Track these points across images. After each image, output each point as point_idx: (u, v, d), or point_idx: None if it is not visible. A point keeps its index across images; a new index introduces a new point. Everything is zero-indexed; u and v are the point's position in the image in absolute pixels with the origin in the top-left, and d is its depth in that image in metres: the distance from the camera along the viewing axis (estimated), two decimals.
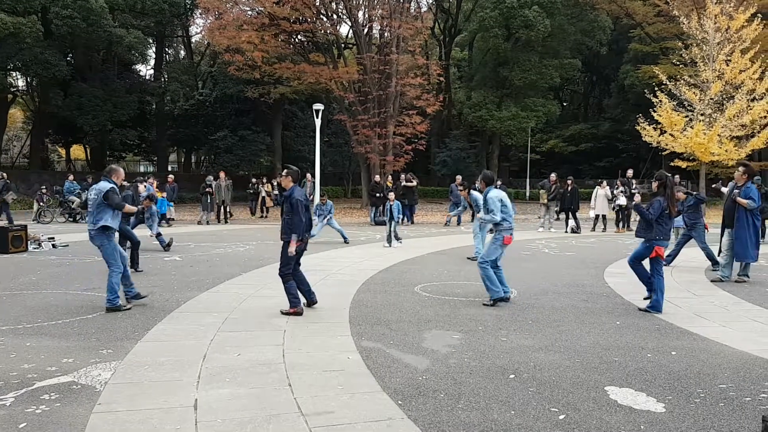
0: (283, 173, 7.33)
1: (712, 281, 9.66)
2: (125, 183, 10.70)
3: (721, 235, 9.88)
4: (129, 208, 7.75)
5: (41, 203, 21.54)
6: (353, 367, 5.19)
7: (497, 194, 7.58)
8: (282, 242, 7.10)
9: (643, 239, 7.48)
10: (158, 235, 12.95)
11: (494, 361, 5.36)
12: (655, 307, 7.39)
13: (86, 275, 9.79)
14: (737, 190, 9.35)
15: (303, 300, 7.27)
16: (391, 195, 14.64)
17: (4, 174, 22.12)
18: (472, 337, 6.17)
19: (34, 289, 8.55)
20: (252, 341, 5.95)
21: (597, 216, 18.76)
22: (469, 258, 12.03)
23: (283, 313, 7.02)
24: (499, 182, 22.95)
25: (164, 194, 20.98)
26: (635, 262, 7.60)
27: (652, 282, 7.46)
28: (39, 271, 10.14)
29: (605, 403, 4.43)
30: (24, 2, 27.42)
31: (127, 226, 10.44)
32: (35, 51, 28.84)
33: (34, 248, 12.92)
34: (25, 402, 4.35)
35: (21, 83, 40.96)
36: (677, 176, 20.86)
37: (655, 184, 7.55)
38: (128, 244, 10.20)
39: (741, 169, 9.43)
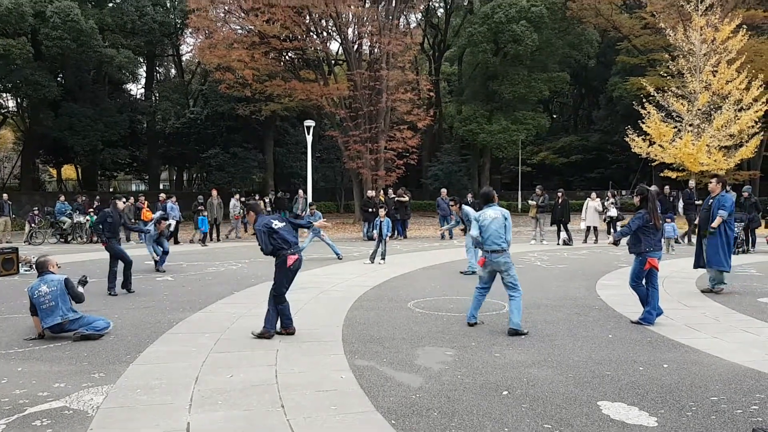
0: (248, 208, 7.30)
1: (702, 291, 9.69)
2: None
3: (698, 246, 9.89)
4: (82, 297, 7.33)
5: (33, 224, 21.43)
6: (346, 387, 5.19)
7: (476, 214, 7.51)
8: (275, 263, 7.04)
9: (635, 254, 7.54)
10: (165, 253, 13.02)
11: (487, 378, 5.37)
12: (647, 319, 7.42)
13: None
14: (712, 200, 9.47)
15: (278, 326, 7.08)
16: (382, 211, 14.62)
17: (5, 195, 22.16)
18: (465, 353, 6.18)
19: (25, 312, 8.45)
20: (245, 362, 5.94)
21: (588, 228, 18.84)
22: (462, 272, 12.06)
23: (255, 335, 6.88)
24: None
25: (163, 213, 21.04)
26: (636, 283, 7.57)
27: (648, 299, 7.50)
28: None
29: (598, 418, 4.45)
30: (14, 24, 27.47)
31: (120, 246, 10.43)
32: (25, 72, 28.86)
33: (26, 271, 12.84)
34: (16, 428, 4.32)
35: (11, 104, 40.90)
36: (667, 186, 21.04)
37: (636, 199, 7.65)
38: (120, 264, 10.17)
39: (714, 180, 9.66)
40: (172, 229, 19.95)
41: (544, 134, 42.55)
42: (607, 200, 19.02)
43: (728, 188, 9.91)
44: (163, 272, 12.65)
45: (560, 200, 18.35)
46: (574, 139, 47.86)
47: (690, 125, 23.78)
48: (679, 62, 24.30)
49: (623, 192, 24.16)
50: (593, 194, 18.96)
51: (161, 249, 13.03)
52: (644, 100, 24.27)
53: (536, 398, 4.85)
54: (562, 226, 18.35)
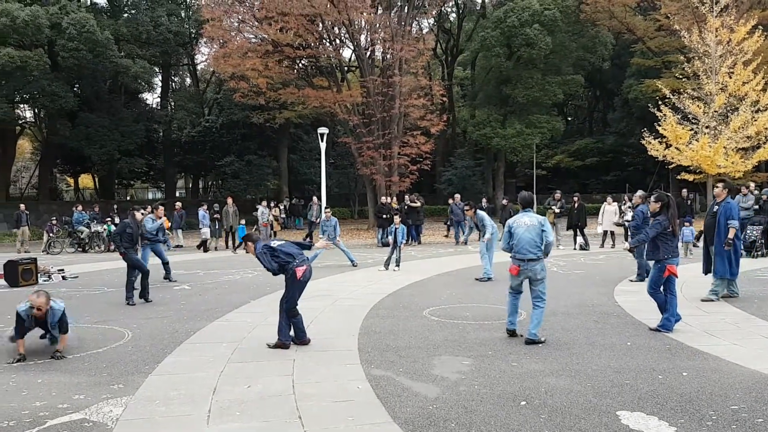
0: (248, 244, 7.18)
1: (702, 300, 9.32)
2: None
3: (705, 252, 9.71)
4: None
5: (51, 234, 21.69)
6: (363, 397, 5.18)
7: (510, 222, 7.33)
8: (285, 278, 7.02)
9: (653, 261, 7.47)
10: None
11: (505, 388, 5.34)
12: (665, 326, 7.35)
13: (96, 307, 9.83)
14: (717, 207, 9.25)
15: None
16: (397, 218, 14.63)
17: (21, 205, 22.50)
18: (482, 362, 6.15)
19: None
20: (262, 372, 5.96)
21: (605, 232, 18.69)
22: (477, 279, 12.01)
23: (270, 346, 6.88)
24: (505, 201, 23.04)
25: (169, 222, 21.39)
26: (654, 290, 7.48)
27: (666, 305, 7.41)
28: None
29: (617, 428, 4.41)
30: (30, 36, 27.88)
31: (137, 256, 10.54)
32: (42, 83, 29.26)
33: (44, 281, 12.99)
34: None
35: (29, 115, 41.50)
36: (684, 190, 20.85)
37: (656, 205, 7.52)
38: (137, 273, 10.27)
39: (720, 185, 9.30)
40: (207, 236, 20.33)
41: (558, 137, 42.28)
42: (624, 204, 18.85)
43: (751, 188, 9.73)
44: (174, 281, 12.58)
45: (576, 204, 18.24)
46: (589, 141, 47.53)
47: (707, 127, 23.57)
48: (695, 64, 24.11)
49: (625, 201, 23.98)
50: (609, 198, 18.83)
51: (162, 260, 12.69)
52: (660, 103, 24.10)
53: (555, 408, 4.82)
54: (578, 230, 18.24)
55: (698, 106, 23.67)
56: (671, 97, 23.86)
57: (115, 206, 25.96)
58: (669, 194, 7.66)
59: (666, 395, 5.10)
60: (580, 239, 18.17)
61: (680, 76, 25.62)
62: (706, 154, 22.49)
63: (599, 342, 6.91)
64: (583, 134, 52.75)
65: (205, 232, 20.51)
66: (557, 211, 18.54)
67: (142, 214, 11.12)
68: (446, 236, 23.66)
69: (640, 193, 12.92)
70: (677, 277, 7.46)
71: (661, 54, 34.93)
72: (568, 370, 5.85)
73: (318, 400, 5.11)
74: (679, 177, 25.14)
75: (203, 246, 20.52)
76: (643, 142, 24.90)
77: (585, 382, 5.48)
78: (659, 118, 24.12)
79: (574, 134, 51.73)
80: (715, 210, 9.28)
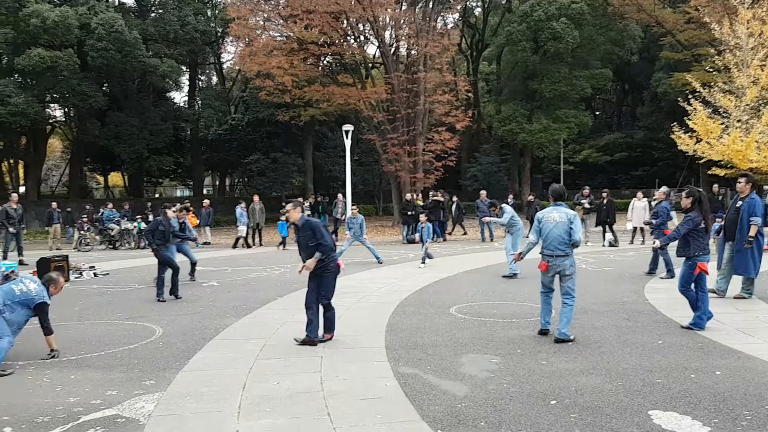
0: (288, 207, 7.16)
1: (735, 298, 9.08)
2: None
3: (722, 248, 9.44)
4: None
5: (82, 231, 22.08)
6: (391, 395, 5.18)
7: (541, 215, 7.25)
8: (325, 269, 6.96)
9: (684, 257, 7.35)
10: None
11: (534, 386, 5.29)
12: (697, 324, 7.23)
13: (127, 304, 9.99)
14: (741, 202, 8.94)
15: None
16: (423, 217, 14.62)
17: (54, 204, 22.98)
18: (510, 360, 6.10)
19: (76, 319, 8.76)
20: (290, 369, 6.00)
21: (635, 228, 18.42)
22: (504, 276, 11.93)
23: (298, 342, 6.90)
24: (531, 197, 22.85)
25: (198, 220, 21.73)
26: (685, 287, 7.35)
27: (698, 303, 7.28)
28: (81, 301, 10.38)
29: (649, 428, 4.35)
30: (60, 36, 28.37)
31: (168, 253, 10.73)
32: (72, 83, 29.77)
33: (76, 278, 13.23)
34: None
35: (59, 114, 42.27)
36: (716, 185, 20.46)
37: (687, 201, 7.37)
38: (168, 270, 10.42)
39: (743, 179, 8.93)
40: (243, 234, 20.58)
41: (586, 132, 41.76)
42: (654, 200, 18.55)
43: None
44: (194, 280, 12.42)
45: (605, 200, 18.01)
46: (617, 136, 46.88)
47: (738, 121, 23.03)
48: (726, 57, 23.56)
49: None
50: (639, 194, 18.54)
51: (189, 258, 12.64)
52: (690, 96, 23.61)
53: (585, 407, 4.76)
54: (607, 227, 18.01)
55: (729, 99, 23.14)
56: (701, 90, 23.36)
57: (149, 204, 26.34)
58: (700, 189, 7.51)
59: (699, 394, 5.02)
60: (609, 236, 17.94)
61: (710, 69, 25.07)
62: (738, 148, 21.98)
63: (630, 340, 6.82)
64: (611, 129, 52.05)
65: (242, 229, 20.69)
66: (586, 206, 18.32)
67: (173, 212, 11.29)
68: (449, 233, 23.47)
69: (663, 189, 12.80)
70: (708, 274, 7.33)
71: (690, 47, 34.25)
72: (598, 368, 5.78)
73: (346, 397, 5.13)
74: (709, 172, 24.62)
75: (241, 242, 20.78)
76: (673, 136, 24.42)
77: (616, 380, 5.41)
78: (689, 112, 23.63)
79: (602, 129, 51.06)
80: (738, 205, 8.99)
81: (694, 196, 7.33)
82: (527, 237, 12.09)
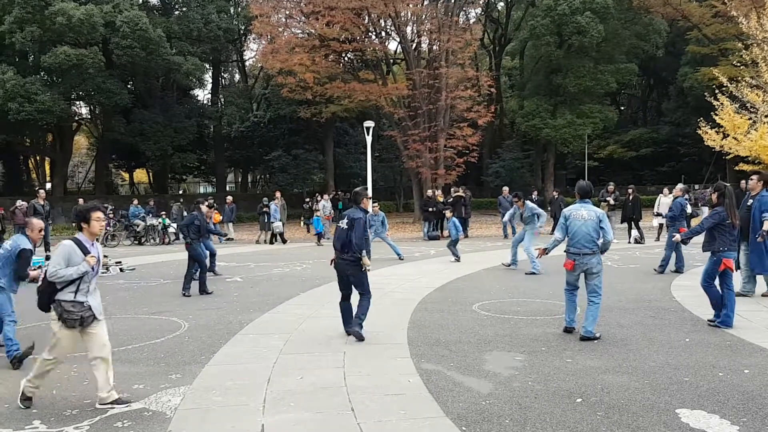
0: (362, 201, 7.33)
1: (763, 295, 8.92)
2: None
3: (738, 249, 9.24)
4: (32, 275, 6.64)
5: (108, 227, 22.37)
6: (414, 391, 5.18)
7: (568, 211, 7.12)
8: (351, 269, 6.95)
9: (709, 252, 7.23)
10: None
11: (560, 384, 5.25)
12: (725, 322, 7.11)
13: (153, 299, 10.11)
14: (752, 200, 8.80)
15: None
16: (448, 212, 14.58)
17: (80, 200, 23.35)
18: (535, 358, 6.06)
19: (104, 314, 8.85)
20: (314, 363, 6.02)
21: (661, 225, 18.16)
22: (527, 273, 11.84)
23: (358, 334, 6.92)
24: (555, 193, 22.66)
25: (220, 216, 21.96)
26: (708, 283, 7.25)
27: (724, 301, 7.16)
28: (108, 296, 10.50)
29: (677, 426, 4.29)
30: (86, 34, 28.72)
31: (200, 249, 10.99)
32: (98, 81, 30.15)
33: (103, 272, 13.40)
34: (100, 429, 4.52)
35: (85, 111, 42.86)
36: (743, 181, 20.07)
37: (714, 195, 7.29)
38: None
39: (755, 177, 8.84)
40: (280, 230, 20.73)
41: (611, 127, 41.29)
42: (673, 196, 18.27)
43: None
44: (219, 274, 12.63)
45: (631, 196, 17.80)
46: (643, 131, 46.25)
47: (766, 116, 22.59)
48: (753, 51, 23.10)
49: (696, 186, 23.23)
50: (665, 190, 18.28)
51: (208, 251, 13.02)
52: (716, 91, 23.21)
53: (612, 406, 4.71)
54: (633, 223, 17.79)
55: (757, 94, 22.69)
56: (728, 85, 22.93)
57: (181, 200, 26.64)
58: (727, 184, 7.40)
59: (727, 393, 4.94)
60: (635, 232, 17.73)
61: (738, 64, 24.62)
62: (766, 143, 21.56)
63: (656, 338, 6.73)
64: (636, 124, 51.40)
65: (278, 225, 20.66)
66: (612, 203, 18.12)
67: (208, 206, 11.46)
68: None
69: (680, 186, 12.95)
70: (733, 271, 7.22)
71: (717, 41, 33.69)
72: (624, 366, 5.72)
73: (370, 392, 5.13)
74: (736, 168, 24.21)
75: (277, 237, 20.96)
76: (699, 132, 24.06)
77: (642, 379, 5.34)
78: (716, 107, 23.23)
79: (628, 124, 50.42)
80: (749, 203, 8.86)
81: (720, 190, 7.25)
82: (540, 232, 12.16)
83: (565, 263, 7.00)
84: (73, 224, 22.60)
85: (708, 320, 7.40)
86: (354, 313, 7.05)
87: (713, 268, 7.18)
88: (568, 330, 7.06)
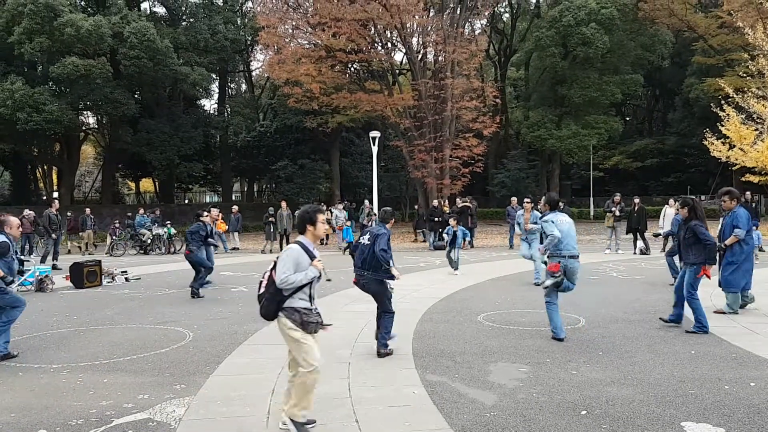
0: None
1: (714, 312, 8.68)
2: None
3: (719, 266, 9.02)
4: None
5: (114, 237, 22.48)
6: (419, 402, 5.17)
7: (550, 217, 7.34)
8: (375, 287, 6.83)
9: (690, 264, 7.58)
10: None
11: (564, 396, 5.23)
12: (702, 328, 7.43)
13: (158, 308, 10.13)
14: (723, 218, 8.90)
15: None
16: (452, 221, 14.54)
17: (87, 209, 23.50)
18: (539, 369, 6.04)
19: (109, 324, 8.91)
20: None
21: (666, 236, 18.09)
22: (536, 284, 11.79)
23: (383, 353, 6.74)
24: (562, 204, 22.62)
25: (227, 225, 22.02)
26: (691, 294, 7.58)
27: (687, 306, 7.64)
28: (113, 305, 10.56)
29: None
30: (94, 45, 28.99)
31: (200, 257, 11.54)
32: (105, 91, 30.39)
33: (108, 282, 13.47)
34: None
35: (92, 121, 43.13)
36: (748, 192, 20.03)
37: (683, 211, 7.66)
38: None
39: (726, 198, 8.79)
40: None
41: (616, 138, 41.32)
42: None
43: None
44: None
45: (636, 208, 17.76)
46: (649, 142, 46.20)
47: None
48: (759, 62, 23.12)
49: (702, 197, 23.18)
50: (671, 201, 18.23)
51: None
52: (723, 102, 23.22)
53: (617, 418, 4.70)
54: (638, 234, 17.75)
55: (764, 105, 22.68)
56: (734, 96, 22.95)
57: (199, 211, 26.72)
58: (694, 197, 7.76)
59: (733, 406, 4.92)
60: (640, 243, 17.68)
61: (744, 75, 24.66)
62: None
63: (662, 350, 6.71)
64: (642, 135, 51.35)
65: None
66: (617, 214, 18.09)
67: (213, 216, 12.30)
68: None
69: (677, 203, 12.95)
70: (710, 278, 7.58)
71: (723, 52, 33.72)
72: (629, 378, 5.70)
73: (374, 404, 5.13)
74: (743, 178, 24.16)
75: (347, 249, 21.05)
76: (705, 142, 24.06)
77: (648, 391, 5.32)
78: (722, 117, 23.24)
79: (633, 135, 50.39)
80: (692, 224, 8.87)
81: (688, 205, 7.60)
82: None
83: (552, 266, 7.13)
84: (80, 234, 22.57)
85: (662, 318, 7.91)
86: (379, 329, 6.87)
87: (694, 279, 7.51)
88: (562, 339, 7.19)
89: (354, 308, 9.48)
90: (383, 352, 6.70)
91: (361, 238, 7.03)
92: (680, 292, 7.76)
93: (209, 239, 11.98)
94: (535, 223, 12.45)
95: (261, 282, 4.66)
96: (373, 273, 6.72)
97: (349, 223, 21.99)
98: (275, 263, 4.58)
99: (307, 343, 4.52)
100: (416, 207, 25.35)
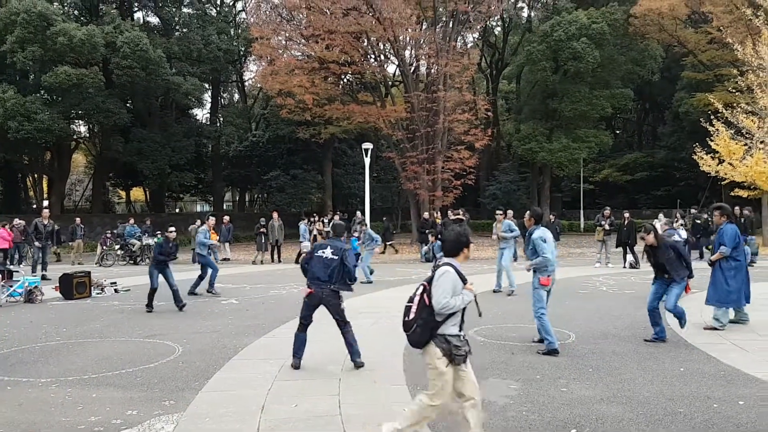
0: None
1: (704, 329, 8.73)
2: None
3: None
4: None
5: (104, 247, 22.34)
6: None
7: (540, 234, 7.49)
8: (335, 300, 6.90)
9: (672, 280, 7.93)
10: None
11: (555, 414, 5.24)
12: (661, 337, 7.95)
13: (147, 321, 10.08)
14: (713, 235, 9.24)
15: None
16: (431, 237, 14.72)
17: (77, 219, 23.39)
18: (530, 386, 6.05)
19: (98, 337, 8.85)
20: (308, 391, 6.00)
21: None
22: (508, 295, 11.94)
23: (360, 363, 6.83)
24: (552, 216, 22.72)
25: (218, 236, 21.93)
26: (676, 306, 7.91)
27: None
28: (102, 318, 10.49)
29: None
30: (86, 54, 28.92)
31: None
32: (97, 100, 30.32)
33: (97, 293, 13.38)
34: None
35: (83, 130, 42.92)
36: (737, 207, 20.18)
37: (650, 237, 7.99)
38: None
39: (717, 213, 9.04)
40: (307, 250, 20.64)
41: (606, 151, 41.59)
42: (676, 221, 18.35)
43: None
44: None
45: (626, 222, 17.88)
46: (638, 155, 46.56)
47: (761, 142, 22.78)
48: (749, 77, 23.36)
49: (692, 210, 23.34)
50: (661, 215, 18.39)
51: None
52: (712, 117, 23.43)
53: None
54: (628, 248, 17.85)
55: (752, 120, 22.90)
56: (724, 111, 23.17)
57: (198, 221, 26.66)
58: (653, 223, 8.20)
59: (722, 425, 4.95)
60: (630, 257, 17.77)
61: (733, 90, 24.89)
62: (761, 169, 21.73)
63: (651, 367, 6.73)
64: (632, 148, 51.72)
65: (305, 245, 20.23)
66: (607, 228, 18.18)
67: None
68: (381, 252, 23.48)
69: (664, 219, 13.31)
70: (688, 292, 8.16)
71: (713, 67, 34.07)
72: (619, 396, 5.72)
73: (364, 421, 5.12)
74: (732, 193, 24.36)
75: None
76: (695, 157, 24.25)
77: (637, 409, 5.34)
78: (711, 132, 23.45)
79: (623, 148, 50.73)
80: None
81: (650, 231, 8.04)
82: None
83: (544, 280, 7.44)
84: (70, 243, 22.41)
85: (646, 339, 8.03)
86: (349, 345, 6.88)
87: (681, 293, 7.93)
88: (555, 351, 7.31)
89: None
90: (360, 362, 6.81)
91: (321, 251, 6.99)
92: (655, 310, 8.02)
93: (159, 256, 11.56)
94: (511, 231, 12.83)
95: (409, 308, 4.40)
96: (339, 286, 6.84)
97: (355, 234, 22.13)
98: (424, 286, 4.38)
99: (446, 379, 4.27)
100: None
